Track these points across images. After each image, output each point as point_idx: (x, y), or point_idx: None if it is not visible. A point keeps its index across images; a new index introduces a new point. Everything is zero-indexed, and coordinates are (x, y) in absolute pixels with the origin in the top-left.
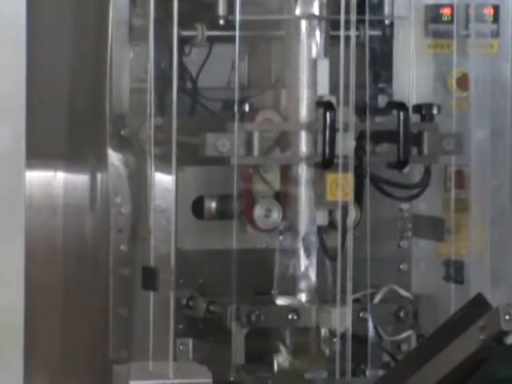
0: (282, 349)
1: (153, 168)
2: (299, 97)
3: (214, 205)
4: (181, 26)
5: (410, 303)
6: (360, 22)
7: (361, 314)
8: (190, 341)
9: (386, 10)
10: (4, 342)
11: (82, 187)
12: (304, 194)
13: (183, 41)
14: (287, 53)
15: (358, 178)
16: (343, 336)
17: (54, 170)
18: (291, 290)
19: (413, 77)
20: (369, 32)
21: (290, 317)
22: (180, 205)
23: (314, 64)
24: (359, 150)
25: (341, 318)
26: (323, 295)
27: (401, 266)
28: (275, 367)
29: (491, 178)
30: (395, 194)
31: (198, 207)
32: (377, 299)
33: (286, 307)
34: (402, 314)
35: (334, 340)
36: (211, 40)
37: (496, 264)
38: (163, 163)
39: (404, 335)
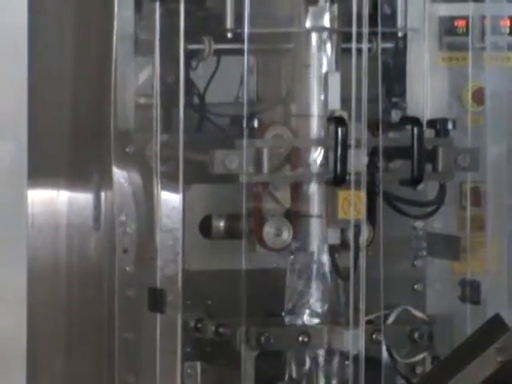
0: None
1: (159, 186)
2: (310, 112)
3: (222, 224)
4: (187, 39)
5: (425, 324)
6: (372, 35)
7: (374, 336)
8: (198, 364)
9: (399, 22)
10: (6, 366)
11: (86, 206)
12: (315, 212)
13: (190, 54)
14: (297, 66)
15: (371, 195)
16: (356, 358)
17: (56, 188)
18: (302, 311)
19: (427, 91)
20: (381, 44)
21: (300, 339)
22: (187, 224)
23: (324, 78)
24: (372, 166)
25: (353, 340)
26: (335, 316)
27: (415, 287)
28: None
29: (508, 194)
30: (409, 212)
31: (205, 226)
32: (390, 320)
33: (296, 328)
34: (416, 335)
35: (347, 363)
36: (219, 53)
37: None
38: (170, 181)
39: (419, 357)
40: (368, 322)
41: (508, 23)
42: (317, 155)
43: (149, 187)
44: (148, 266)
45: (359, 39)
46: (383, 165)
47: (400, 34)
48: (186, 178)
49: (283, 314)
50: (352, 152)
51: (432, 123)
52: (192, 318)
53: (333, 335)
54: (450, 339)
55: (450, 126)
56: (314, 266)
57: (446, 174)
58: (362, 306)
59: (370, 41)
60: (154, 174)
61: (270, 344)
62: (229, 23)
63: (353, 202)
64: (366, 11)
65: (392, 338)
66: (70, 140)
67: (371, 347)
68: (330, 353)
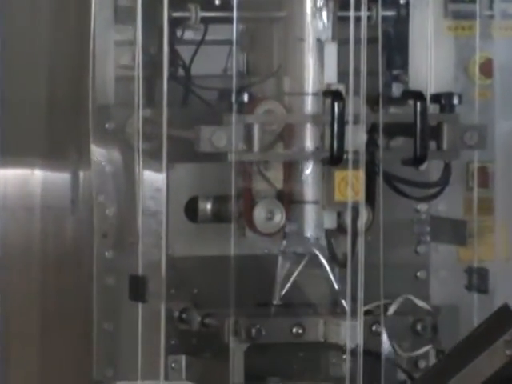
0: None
1: (141, 165)
2: (304, 85)
3: (209, 206)
4: (172, 5)
5: (429, 315)
6: (372, 1)
7: (373, 328)
8: (183, 358)
9: None
10: None
11: (62, 186)
12: (310, 193)
13: (174, 23)
14: (291, 36)
15: (370, 175)
16: (354, 352)
17: (30, 168)
18: (296, 300)
19: (431, 62)
20: (382, 12)
21: (294, 331)
22: (171, 206)
23: (320, 48)
24: (371, 144)
25: (351, 332)
26: (331, 306)
27: (418, 274)
28: None
29: None
30: (411, 194)
31: (191, 209)
32: (391, 311)
33: (289, 320)
34: (419, 327)
35: (344, 357)
36: (206, 22)
37: None
38: (152, 160)
39: (422, 351)
40: (367, 313)
41: None
42: (312, 132)
43: (130, 166)
44: (129, 251)
45: (358, 6)
46: (383, 143)
47: (402, 1)
48: (170, 157)
49: (275, 303)
50: (350, 129)
51: (436, 98)
52: (177, 308)
53: (329, 327)
54: (456, 331)
55: (455, 101)
56: (309, 252)
57: (451, 152)
58: (361, 295)
59: (369, 8)
60: (136, 153)
61: (261, 336)
62: None
63: (350, 183)
64: None
65: (393, 330)
66: (45, 116)
67: (370, 340)
68: (325, 346)
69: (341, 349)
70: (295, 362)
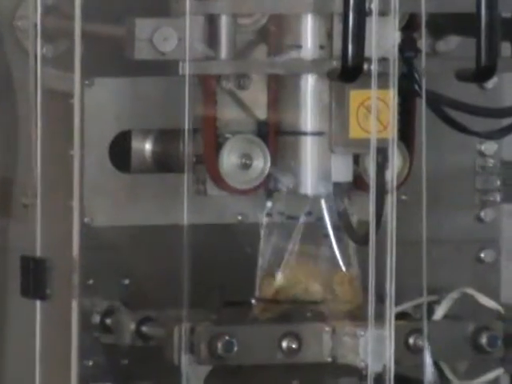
0: None
1: (39, 78)
2: None
3: (148, 147)
4: None
5: (499, 320)
6: None
7: (411, 341)
8: None
9: None
10: None
11: None
12: (309, 126)
13: None
14: None
15: (407, 97)
16: (379, 379)
17: None
18: (287, 296)
19: None
20: None
21: (284, 345)
22: (89, 146)
23: None
24: (407, 47)
25: (375, 348)
26: (344, 307)
27: (481, 255)
28: None
29: None
30: (472, 127)
31: (120, 151)
32: (439, 314)
33: (276, 328)
34: (484, 339)
35: None
36: None
37: None
38: (58, 71)
39: (489, 377)
40: (400, 317)
41: None
42: (313, 28)
43: (22, 82)
44: (20, 218)
45: None
46: (428, 44)
47: None
48: (87, 68)
49: (253, 302)
50: (374, 22)
51: None
52: (97, 309)
53: (340, 339)
54: None
55: None
56: (308, 219)
57: None
58: (391, 289)
59: None
60: (32, 59)
61: (231, 355)
62: None
63: (375, 110)
64: None
65: (442, 344)
66: None
67: (406, 359)
68: (334, 369)
69: (358, 374)
70: None
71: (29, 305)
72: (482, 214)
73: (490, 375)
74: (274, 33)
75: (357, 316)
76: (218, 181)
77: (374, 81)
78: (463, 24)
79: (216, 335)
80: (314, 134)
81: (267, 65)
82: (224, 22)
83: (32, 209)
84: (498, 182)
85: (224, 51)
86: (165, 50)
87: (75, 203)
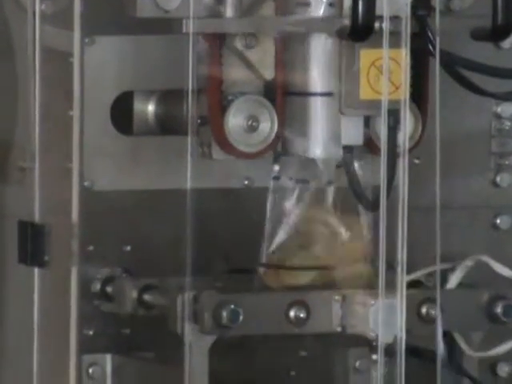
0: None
1: (38, 36)
2: None
3: (151, 108)
4: None
5: None
6: None
7: (423, 310)
8: (108, 359)
9: None
10: None
11: None
12: (318, 86)
13: None
14: None
15: (419, 57)
16: (390, 350)
17: None
18: (294, 263)
19: None
20: None
21: (292, 314)
22: (89, 107)
23: None
24: (420, 4)
25: (386, 318)
26: (354, 274)
27: (497, 221)
28: None
29: None
30: (488, 88)
31: (122, 113)
32: (453, 282)
33: (284, 296)
34: (499, 308)
35: (374, 357)
36: None
37: None
38: (57, 28)
39: (504, 349)
40: (412, 285)
41: None
42: None
43: (20, 39)
44: (17, 182)
45: None
46: (442, 2)
47: None
48: (88, 25)
49: (260, 269)
50: None
51: None
52: (98, 276)
53: (350, 308)
54: None
55: None
56: (315, 185)
57: None
58: (402, 257)
59: None
60: (30, 17)
61: (236, 324)
62: None
63: (386, 71)
64: None
65: (455, 314)
66: None
67: (418, 329)
68: (344, 340)
69: (369, 345)
70: (294, 368)
71: (27, 272)
72: (498, 178)
73: (506, 346)
74: None
75: (367, 284)
76: (224, 144)
77: (385, 40)
78: None
79: (221, 304)
80: (323, 94)
81: (275, 23)
82: None
83: (30, 172)
84: None
85: (230, 9)
86: (168, 7)
87: (75, 166)
